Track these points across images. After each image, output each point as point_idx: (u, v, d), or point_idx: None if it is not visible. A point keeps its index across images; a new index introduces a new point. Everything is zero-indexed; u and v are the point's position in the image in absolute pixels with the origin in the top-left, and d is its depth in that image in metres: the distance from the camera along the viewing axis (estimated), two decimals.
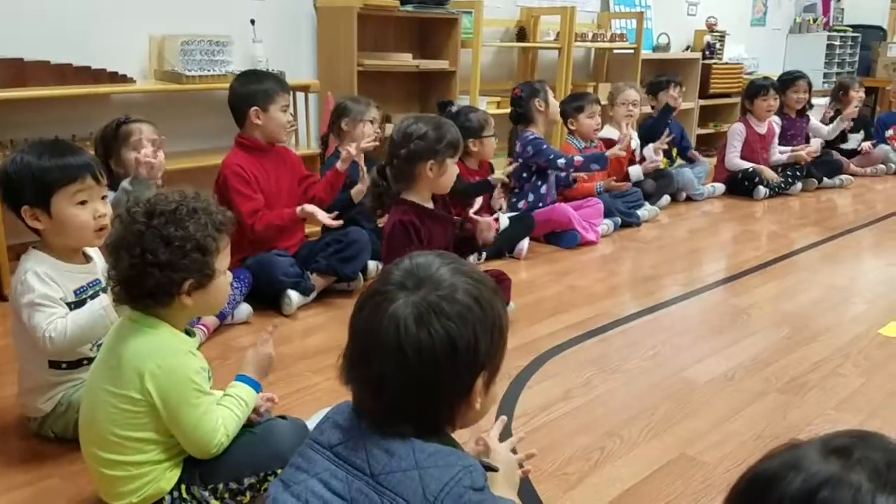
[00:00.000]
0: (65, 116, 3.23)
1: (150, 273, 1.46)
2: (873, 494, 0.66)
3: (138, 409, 1.49)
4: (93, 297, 1.86)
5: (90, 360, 1.90)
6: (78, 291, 1.86)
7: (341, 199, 3.15)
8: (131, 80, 3.33)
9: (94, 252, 1.96)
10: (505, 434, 1.56)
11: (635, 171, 4.59)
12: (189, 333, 1.59)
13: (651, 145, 4.65)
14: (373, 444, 1.05)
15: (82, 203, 1.84)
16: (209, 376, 1.58)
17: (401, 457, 1.03)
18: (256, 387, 1.67)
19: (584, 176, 4.16)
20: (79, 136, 3.15)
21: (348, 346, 1.10)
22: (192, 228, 1.48)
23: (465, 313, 1.04)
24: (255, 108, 2.93)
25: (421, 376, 1.03)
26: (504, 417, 1.58)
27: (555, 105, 4.11)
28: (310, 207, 2.94)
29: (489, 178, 3.58)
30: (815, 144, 5.43)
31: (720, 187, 5.21)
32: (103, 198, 1.91)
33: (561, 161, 3.91)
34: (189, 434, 1.51)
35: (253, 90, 2.96)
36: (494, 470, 1.34)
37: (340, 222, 2.95)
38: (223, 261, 1.56)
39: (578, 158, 3.95)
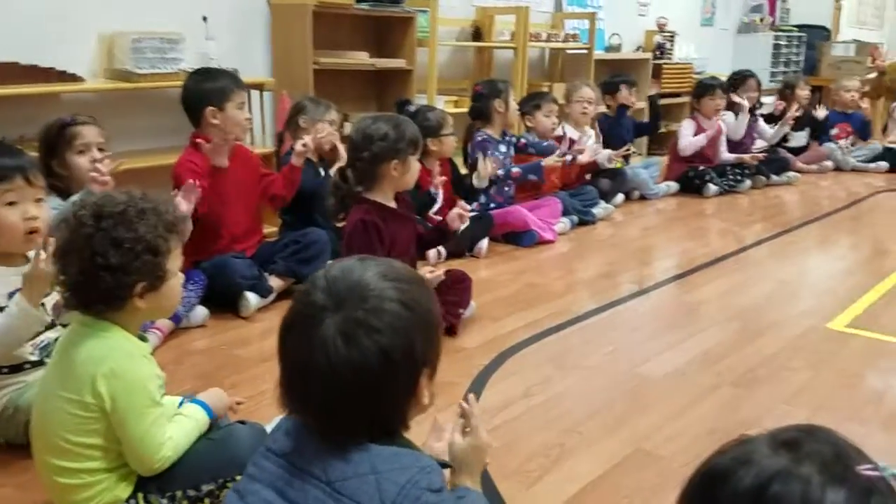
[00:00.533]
0: (13, 116, 3.14)
1: (102, 277, 1.42)
2: (823, 487, 0.69)
3: (90, 414, 1.45)
4: None
5: (32, 363, 1.87)
6: (13, 294, 1.81)
7: (319, 182, 3.17)
8: (81, 79, 3.26)
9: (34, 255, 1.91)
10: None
11: (602, 157, 4.69)
12: (142, 339, 1.56)
13: (606, 152, 4.74)
14: (327, 452, 1.04)
15: (11, 204, 1.79)
16: (162, 384, 1.55)
17: (357, 462, 1.03)
18: (210, 413, 1.63)
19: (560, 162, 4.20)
20: (27, 137, 3.05)
21: (282, 374, 1.08)
22: (142, 230, 1.45)
23: (394, 322, 1.03)
24: (211, 107, 2.89)
25: (363, 393, 1.02)
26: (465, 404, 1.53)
27: (514, 108, 4.16)
28: (300, 145, 2.96)
29: (432, 189, 3.58)
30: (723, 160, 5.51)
31: (674, 185, 5.30)
32: (38, 200, 1.85)
33: (499, 171, 3.97)
34: (134, 444, 1.47)
35: (208, 89, 2.91)
36: (449, 466, 1.34)
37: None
38: (175, 261, 1.53)
39: (516, 171, 4.03)
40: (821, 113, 6.26)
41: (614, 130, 5.03)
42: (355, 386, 1.01)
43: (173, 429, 1.53)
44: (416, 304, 1.06)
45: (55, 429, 1.47)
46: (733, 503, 0.71)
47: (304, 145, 3.04)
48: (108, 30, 3.45)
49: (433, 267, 2.81)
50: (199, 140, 2.87)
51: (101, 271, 1.42)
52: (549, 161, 4.11)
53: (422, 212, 3.57)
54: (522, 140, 4.27)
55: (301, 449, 1.07)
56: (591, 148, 4.59)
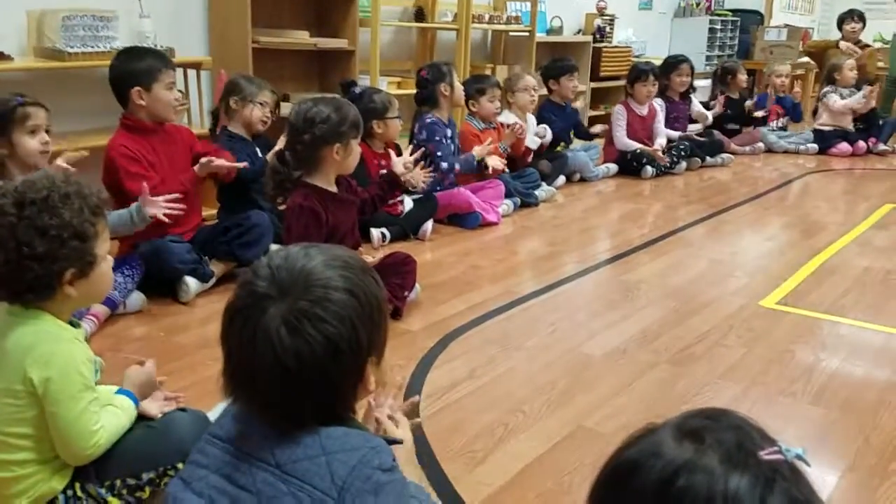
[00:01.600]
0: None
1: (29, 267, 1.38)
2: (726, 476, 0.70)
3: (20, 401, 1.41)
4: None
5: None
6: None
7: (254, 170, 3.13)
8: (9, 58, 3.13)
9: None
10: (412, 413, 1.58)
11: (532, 141, 4.77)
12: (73, 325, 1.52)
13: (535, 139, 4.83)
14: (275, 436, 1.04)
15: None
16: (98, 369, 1.52)
17: (307, 444, 1.02)
18: (134, 400, 1.60)
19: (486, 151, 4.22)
20: None
21: (226, 364, 1.06)
22: (67, 215, 1.40)
23: (340, 311, 1.02)
24: (137, 88, 2.81)
25: (309, 382, 1.01)
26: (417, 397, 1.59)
27: (459, 89, 4.16)
28: (206, 159, 2.88)
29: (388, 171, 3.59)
30: (659, 144, 5.58)
31: (613, 167, 5.39)
32: None
33: (444, 165, 4.00)
34: (65, 430, 1.42)
35: (133, 69, 2.83)
36: (399, 443, 1.35)
37: (246, 164, 2.92)
38: (103, 245, 1.50)
39: (457, 167, 4.09)
40: (759, 113, 6.44)
41: (561, 123, 5.11)
42: (301, 375, 1.01)
43: (106, 417, 1.49)
44: (362, 292, 1.05)
45: None
46: (642, 497, 0.73)
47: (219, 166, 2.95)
48: (37, 6, 3.31)
49: (372, 257, 2.80)
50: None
51: (26, 261, 1.38)
52: (479, 150, 4.13)
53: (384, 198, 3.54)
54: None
55: (248, 434, 1.06)
56: (531, 132, 4.66)
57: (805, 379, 2.37)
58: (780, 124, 6.67)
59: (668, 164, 5.43)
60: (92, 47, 3.30)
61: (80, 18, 3.26)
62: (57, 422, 1.42)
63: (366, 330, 1.04)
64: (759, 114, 6.44)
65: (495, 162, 4.18)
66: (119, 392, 1.60)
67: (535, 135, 4.85)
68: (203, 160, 2.89)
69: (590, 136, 5.43)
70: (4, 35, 3.23)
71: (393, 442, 1.22)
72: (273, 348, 1.00)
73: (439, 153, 3.98)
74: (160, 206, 2.58)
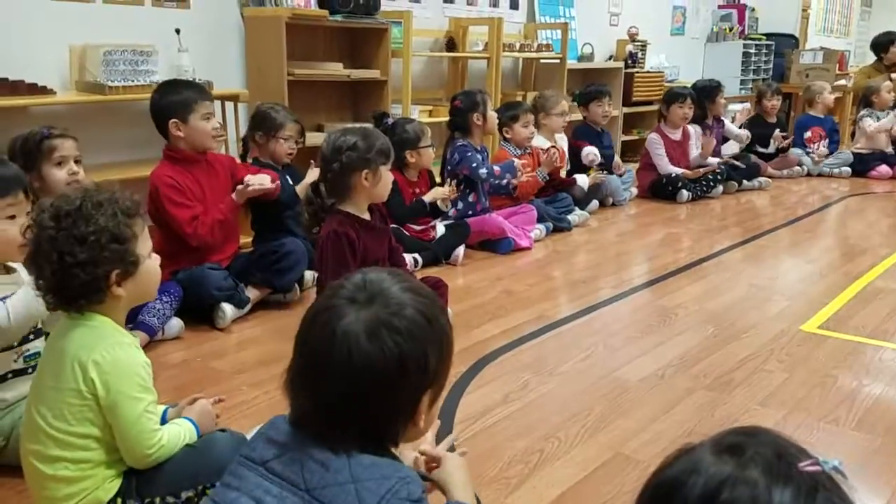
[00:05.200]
0: None
1: (74, 274, 1.44)
2: (769, 488, 0.70)
3: (84, 402, 1.46)
4: None
5: (15, 372, 1.85)
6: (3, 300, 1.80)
7: (283, 200, 3.16)
8: (51, 92, 3.23)
9: (17, 264, 1.90)
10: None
11: (583, 180, 4.79)
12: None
13: (585, 177, 4.83)
14: (308, 458, 1.04)
15: (11, 218, 1.79)
16: (150, 372, 1.56)
17: (336, 470, 1.02)
18: (198, 431, 1.65)
19: (523, 178, 4.22)
20: None
21: (295, 360, 1.09)
22: (102, 220, 1.47)
23: (415, 331, 1.05)
24: (174, 120, 2.88)
25: (370, 393, 1.03)
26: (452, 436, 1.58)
27: (493, 118, 4.18)
28: (241, 186, 2.92)
29: (422, 199, 3.64)
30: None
31: (634, 190, 5.38)
32: (28, 214, 1.86)
33: (483, 171, 4.00)
34: (126, 430, 1.48)
35: (170, 102, 2.90)
36: (431, 481, 1.34)
37: (278, 183, 2.97)
38: (144, 245, 1.55)
39: (497, 168, 4.07)
40: (787, 142, 6.33)
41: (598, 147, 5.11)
42: (365, 383, 1.02)
43: (166, 427, 1.55)
44: (437, 323, 1.08)
45: (49, 419, 1.48)
46: None
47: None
48: (79, 42, 3.42)
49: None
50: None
51: (71, 269, 1.44)
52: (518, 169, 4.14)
53: (413, 219, 3.64)
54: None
55: (280, 456, 1.06)
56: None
57: (848, 405, 2.30)
58: (821, 146, 6.53)
59: (703, 188, 5.37)
60: (132, 81, 3.38)
61: (120, 53, 3.35)
62: (118, 422, 1.48)
63: (434, 358, 1.06)
64: (787, 142, 6.34)
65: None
66: (185, 419, 1.66)
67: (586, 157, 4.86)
68: (239, 188, 2.94)
69: (611, 171, 5.32)
70: (48, 69, 3.33)
71: (424, 478, 1.22)
72: (349, 349, 1.02)
73: (474, 164, 3.98)
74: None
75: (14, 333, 1.80)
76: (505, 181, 4.13)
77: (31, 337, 1.88)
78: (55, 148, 2.48)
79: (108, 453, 1.51)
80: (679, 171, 5.33)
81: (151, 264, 1.57)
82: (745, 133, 6.02)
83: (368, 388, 1.03)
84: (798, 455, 0.74)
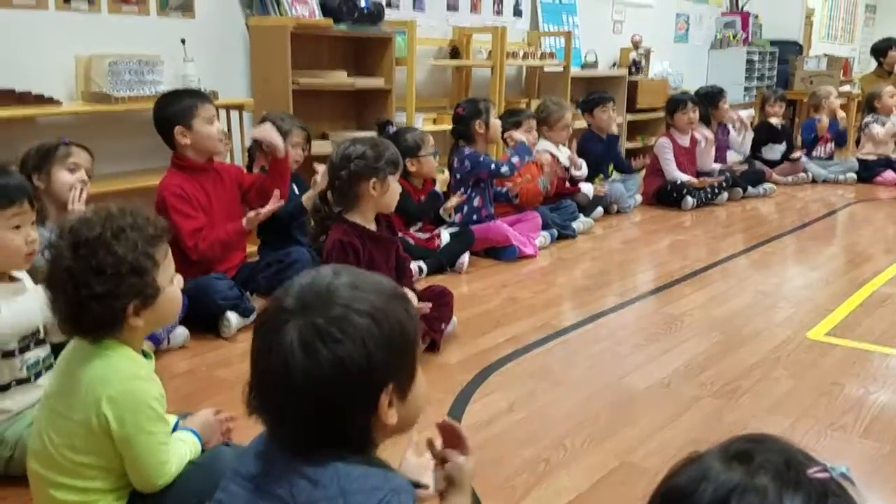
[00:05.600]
0: None
1: (90, 306, 1.40)
2: (780, 495, 0.70)
3: (94, 434, 1.45)
4: None
5: (19, 381, 1.84)
6: None
7: (289, 211, 3.15)
8: (58, 102, 3.25)
9: (21, 273, 1.90)
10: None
11: (587, 189, 4.79)
12: (145, 355, 1.56)
13: (590, 186, 4.83)
14: (294, 473, 1.01)
15: (16, 228, 1.79)
16: (164, 401, 1.55)
17: (325, 485, 1.00)
18: (201, 443, 1.65)
19: (518, 181, 4.24)
20: (3, 160, 3.04)
21: (250, 376, 1.07)
22: (121, 251, 1.41)
23: (355, 333, 1.00)
24: (179, 127, 2.88)
25: (318, 401, 1.00)
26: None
27: (496, 126, 4.18)
28: (252, 213, 2.92)
29: (434, 189, 3.65)
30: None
31: (639, 197, 5.38)
32: (33, 223, 1.87)
33: (504, 169, 4.02)
34: (140, 462, 1.47)
35: (172, 111, 2.91)
36: (424, 487, 1.29)
37: (281, 202, 2.96)
38: (166, 273, 1.50)
39: (516, 159, 4.09)
40: (795, 155, 6.36)
41: (602, 156, 5.10)
42: (309, 393, 0.99)
43: (174, 448, 1.54)
44: (384, 317, 1.03)
45: (57, 446, 1.47)
46: None
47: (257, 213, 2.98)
48: (85, 52, 3.44)
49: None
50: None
51: (87, 301, 1.40)
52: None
53: (427, 213, 3.69)
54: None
55: (268, 471, 1.05)
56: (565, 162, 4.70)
57: (855, 412, 2.29)
58: (827, 151, 6.54)
59: (708, 195, 5.37)
60: (138, 91, 3.40)
61: (126, 63, 3.37)
62: (131, 454, 1.46)
63: (381, 355, 1.01)
64: (796, 155, 6.35)
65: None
66: (187, 430, 1.66)
67: (570, 168, 4.85)
68: (250, 215, 2.94)
69: (630, 170, 5.37)
70: (54, 80, 3.35)
71: (417, 486, 1.20)
72: (285, 363, 0.99)
73: (492, 166, 4.00)
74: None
75: (10, 333, 1.79)
76: (523, 158, 4.12)
77: (32, 346, 1.87)
78: (70, 154, 2.52)
79: (116, 480, 1.50)
80: (686, 177, 5.32)
81: (172, 292, 1.52)
82: (747, 145, 6.03)
83: (312, 397, 0.99)
84: (806, 462, 0.74)
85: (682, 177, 5.32)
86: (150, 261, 1.46)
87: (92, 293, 1.39)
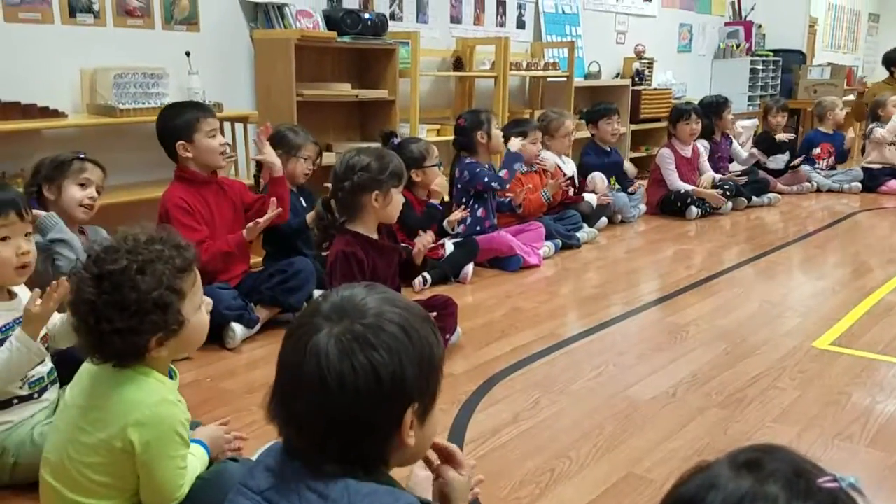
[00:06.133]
0: None
1: (112, 340, 1.39)
2: None
3: (115, 455, 1.44)
4: None
5: (21, 398, 1.84)
6: (2, 329, 1.80)
7: (293, 227, 3.16)
8: (63, 115, 3.26)
9: (20, 288, 1.90)
10: None
11: (591, 198, 4.80)
12: (170, 373, 1.56)
13: (593, 195, 4.83)
14: (305, 488, 1.01)
15: (4, 239, 1.79)
16: (188, 423, 1.56)
17: (334, 500, 0.99)
18: (209, 454, 1.66)
19: (518, 190, 4.25)
20: (9, 173, 3.07)
21: (275, 381, 1.06)
22: (145, 287, 1.38)
23: (390, 343, 1.01)
24: (180, 141, 2.90)
25: (345, 410, 1.00)
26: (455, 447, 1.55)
27: (497, 137, 4.19)
28: (252, 224, 2.93)
29: (432, 202, 3.64)
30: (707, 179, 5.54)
31: (642, 208, 5.36)
32: (27, 235, 1.86)
33: (494, 184, 4.02)
34: (157, 486, 1.47)
35: (174, 124, 2.92)
36: None
37: (279, 210, 2.96)
38: (192, 302, 1.47)
39: (504, 172, 4.09)
40: (797, 161, 6.37)
41: (603, 166, 5.10)
42: (339, 401, 0.99)
43: (190, 468, 1.55)
44: (417, 335, 1.04)
45: (76, 464, 1.47)
46: None
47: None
48: (90, 65, 3.46)
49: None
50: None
51: (110, 335, 1.38)
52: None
53: (430, 222, 3.64)
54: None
55: (278, 486, 1.04)
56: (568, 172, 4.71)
57: (862, 422, 2.28)
58: (830, 163, 6.55)
59: (712, 205, 5.37)
60: (143, 104, 3.41)
61: (131, 76, 3.38)
62: (150, 478, 1.46)
63: (412, 372, 1.02)
64: (797, 161, 6.36)
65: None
66: (196, 441, 1.66)
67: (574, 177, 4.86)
68: (249, 225, 2.95)
69: (628, 191, 5.30)
70: (59, 93, 3.37)
71: (425, 503, 1.20)
72: (319, 366, 0.99)
73: (486, 178, 4.00)
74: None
75: None
76: (512, 168, 4.13)
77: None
78: (83, 169, 2.52)
79: (129, 499, 1.51)
80: (689, 187, 5.32)
81: (198, 319, 1.50)
82: (743, 152, 6.03)
83: (342, 405, 0.99)
84: (815, 472, 0.74)
85: (686, 186, 5.32)
86: (176, 295, 1.43)
87: (113, 328, 1.38)
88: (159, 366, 1.50)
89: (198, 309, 1.51)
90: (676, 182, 5.33)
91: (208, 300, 1.55)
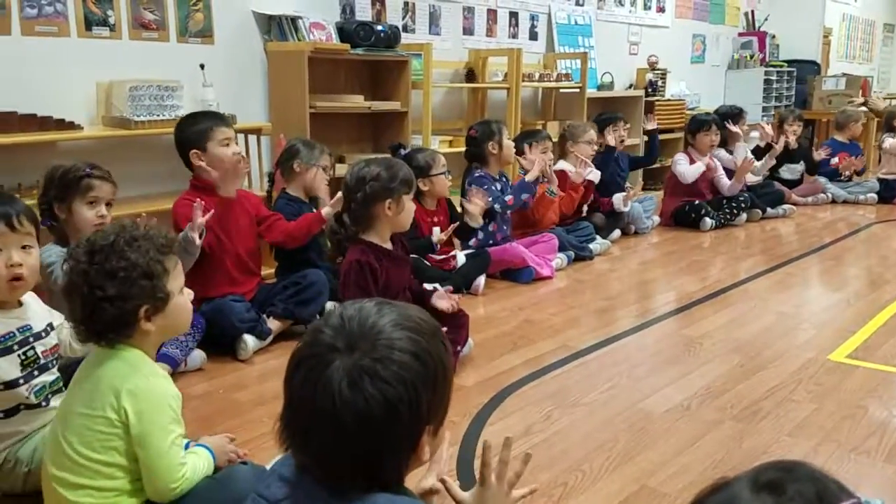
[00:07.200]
0: (10, 165, 3.16)
1: (104, 308, 1.49)
2: None
3: (113, 430, 1.50)
4: (21, 343, 1.80)
5: (28, 406, 1.84)
6: (2, 339, 1.79)
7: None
8: (79, 127, 3.29)
9: (30, 296, 1.90)
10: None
11: (618, 199, 4.83)
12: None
13: (620, 196, 4.86)
14: (320, 500, 1.01)
15: None
16: (180, 404, 1.59)
17: None
18: (214, 459, 1.67)
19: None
20: (25, 185, 3.09)
21: (285, 410, 1.06)
22: (133, 257, 1.51)
23: (403, 373, 1.00)
24: (194, 150, 2.91)
25: (362, 443, 0.99)
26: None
27: (509, 147, 4.18)
28: (335, 199, 2.92)
29: (431, 238, 3.63)
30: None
31: (656, 219, 5.33)
32: (24, 247, 1.82)
33: (496, 206, 4.00)
34: (155, 461, 1.50)
35: (188, 134, 2.94)
36: None
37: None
38: (175, 281, 1.59)
39: (509, 197, 4.06)
40: (820, 152, 6.37)
41: (606, 170, 5.08)
42: (356, 433, 0.99)
43: (189, 458, 1.58)
44: (428, 357, 1.03)
45: (74, 444, 1.51)
46: None
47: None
48: (106, 78, 3.49)
49: (450, 298, 2.73)
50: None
51: (101, 302, 1.49)
52: (532, 174, 4.14)
53: (420, 254, 3.58)
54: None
55: (294, 497, 1.04)
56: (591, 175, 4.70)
57: (879, 435, 2.25)
58: (847, 174, 6.51)
59: (727, 216, 5.32)
60: (158, 116, 3.44)
61: (146, 89, 3.41)
62: (147, 452, 1.50)
63: (427, 396, 1.02)
64: (820, 153, 6.34)
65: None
66: (201, 445, 1.69)
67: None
68: (333, 200, 2.98)
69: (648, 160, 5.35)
70: (75, 105, 3.40)
71: None
72: (333, 402, 0.98)
73: (489, 198, 3.98)
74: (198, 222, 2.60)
75: None
76: (524, 199, 4.11)
77: (36, 373, 1.85)
78: (91, 188, 2.49)
79: (133, 482, 1.53)
80: (700, 169, 5.25)
81: (182, 300, 1.62)
82: (759, 165, 5.98)
83: (358, 438, 0.99)
84: (839, 493, 0.71)
85: (698, 169, 5.24)
86: (160, 266, 1.56)
87: (105, 294, 1.49)
88: (147, 347, 1.59)
89: (180, 291, 1.61)
90: (688, 171, 5.25)
91: (189, 290, 1.65)
